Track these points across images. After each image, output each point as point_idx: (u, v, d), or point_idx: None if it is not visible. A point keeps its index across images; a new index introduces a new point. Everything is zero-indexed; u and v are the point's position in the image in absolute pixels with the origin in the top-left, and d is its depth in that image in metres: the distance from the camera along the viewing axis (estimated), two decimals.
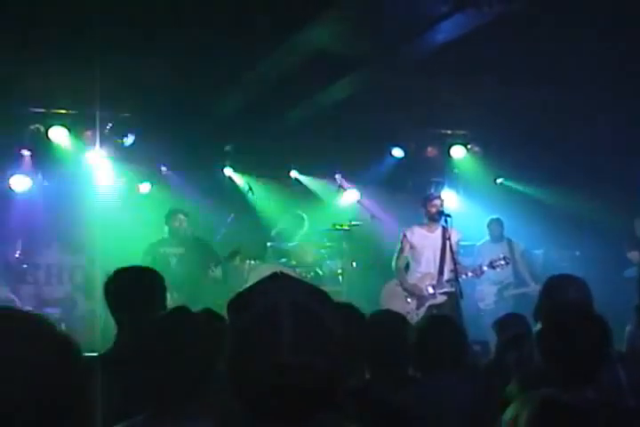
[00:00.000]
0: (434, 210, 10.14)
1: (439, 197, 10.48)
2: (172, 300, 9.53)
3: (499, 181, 13.64)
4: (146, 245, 10.91)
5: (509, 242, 12.04)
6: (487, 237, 12.30)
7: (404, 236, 10.49)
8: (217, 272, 10.79)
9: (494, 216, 12.34)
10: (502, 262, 10.35)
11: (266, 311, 2.07)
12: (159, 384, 3.15)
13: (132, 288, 4.49)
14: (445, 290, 10.09)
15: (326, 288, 5.61)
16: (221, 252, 11.09)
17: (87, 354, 4.26)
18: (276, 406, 2.02)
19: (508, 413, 2.24)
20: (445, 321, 5.11)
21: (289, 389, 2.00)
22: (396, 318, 5.02)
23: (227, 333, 2.16)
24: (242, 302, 2.16)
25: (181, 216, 11.12)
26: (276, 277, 2.20)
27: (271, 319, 2.05)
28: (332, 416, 2.14)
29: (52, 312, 10.44)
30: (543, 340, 3.79)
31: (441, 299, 10.11)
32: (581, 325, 3.75)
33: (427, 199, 10.39)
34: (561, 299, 5.10)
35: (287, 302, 2.08)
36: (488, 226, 12.25)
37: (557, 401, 1.69)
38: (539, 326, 3.87)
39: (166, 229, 11.09)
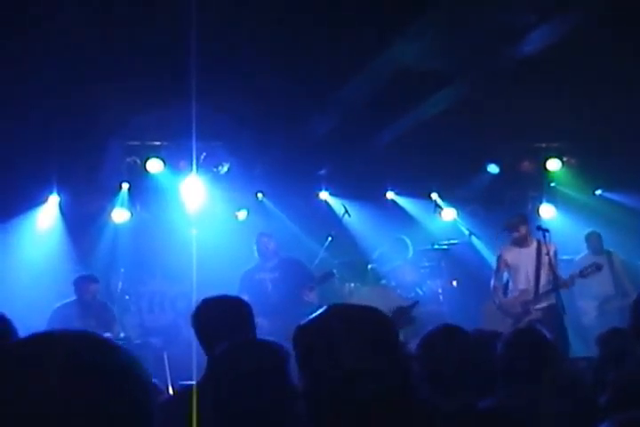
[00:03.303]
0: (517, 235, 10.11)
1: (520, 220, 10.32)
2: (269, 327, 9.65)
3: (597, 192, 13.40)
4: (242, 273, 10.95)
5: (608, 253, 11.81)
6: (587, 251, 12.06)
7: (500, 255, 10.39)
8: (311, 296, 10.71)
9: (592, 229, 12.12)
10: (592, 269, 10.11)
11: (321, 336, 2.21)
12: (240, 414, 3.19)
13: (219, 318, 4.50)
14: (543, 305, 9.91)
15: (427, 308, 5.61)
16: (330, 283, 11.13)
17: (186, 382, 4.32)
18: (355, 416, 2.06)
19: None
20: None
21: (358, 396, 2.04)
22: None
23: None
24: (300, 333, 2.29)
25: (265, 238, 11.06)
26: (330, 307, 2.36)
27: (328, 342, 2.17)
28: None
29: (155, 341, 10.58)
30: None
31: (538, 314, 9.90)
32: None
33: (509, 228, 10.27)
34: None
35: (339, 324, 2.21)
36: (586, 239, 12.04)
37: None
38: None
39: (256, 254, 11.09)
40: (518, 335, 4.86)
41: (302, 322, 2.31)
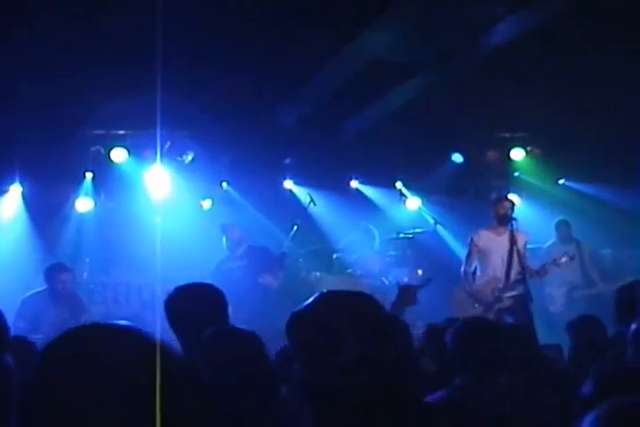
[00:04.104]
0: (502, 211, 10.01)
1: (507, 200, 10.35)
2: (240, 313, 9.85)
3: (560, 182, 13.50)
4: (215, 263, 10.97)
5: (577, 242, 11.89)
6: (554, 239, 12.14)
7: (472, 240, 10.38)
8: (267, 279, 10.84)
9: (561, 218, 12.20)
10: (565, 259, 10.19)
11: (319, 323, 2.19)
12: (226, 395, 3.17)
13: (194, 305, 4.46)
14: (513, 293, 9.97)
15: (394, 297, 5.58)
16: (288, 265, 11.15)
17: None
18: (349, 404, 2.06)
19: (588, 419, 2.18)
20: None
21: (358, 382, 2.04)
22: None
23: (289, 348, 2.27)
24: (297, 320, 2.27)
25: (229, 229, 11.25)
26: (323, 294, 2.33)
27: (330, 329, 2.15)
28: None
29: None
30: None
31: (509, 302, 9.98)
32: None
33: (496, 201, 10.27)
34: None
35: (336, 311, 2.19)
36: (556, 228, 12.12)
37: None
38: (635, 325, 3.77)
39: (224, 246, 11.13)
40: (466, 325, 4.87)
41: (297, 309, 2.30)
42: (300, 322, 2.25)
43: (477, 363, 4.47)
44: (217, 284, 10.23)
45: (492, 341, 4.55)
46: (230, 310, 10.23)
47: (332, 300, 2.28)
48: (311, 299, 2.32)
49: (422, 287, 6.63)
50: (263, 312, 9.81)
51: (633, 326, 3.77)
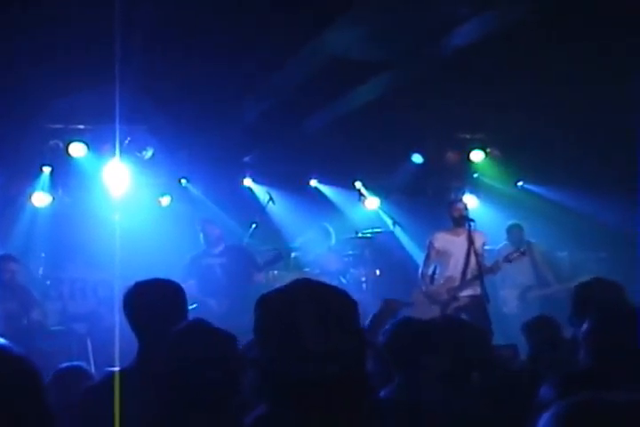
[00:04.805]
0: (457, 214, 10.12)
1: (461, 202, 10.45)
2: (219, 307, 10.26)
3: (519, 184, 13.58)
4: (172, 260, 10.92)
5: (529, 244, 11.96)
6: (506, 242, 12.21)
7: (430, 242, 10.46)
8: (260, 277, 10.97)
9: (514, 221, 12.26)
10: (517, 254, 10.30)
11: (284, 309, 2.15)
12: (187, 397, 3.14)
13: (155, 301, 4.41)
14: (470, 293, 10.04)
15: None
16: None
17: (111, 369, 4.26)
18: (309, 397, 2.03)
19: (548, 418, 2.18)
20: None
21: (317, 377, 2.01)
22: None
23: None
24: (265, 303, 2.22)
25: (210, 225, 11.21)
26: (298, 280, 2.30)
27: (291, 315, 2.13)
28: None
29: (79, 327, 10.46)
30: (595, 340, 3.72)
31: (465, 301, 10.04)
32: (633, 323, 3.70)
33: (450, 204, 10.38)
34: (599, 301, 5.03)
35: (305, 297, 2.16)
36: (508, 232, 12.17)
37: (615, 401, 1.64)
38: (586, 326, 3.79)
39: (202, 241, 11.10)
40: (397, 326, 4.88)
41: (267, 292, 2.26)
42: (264, 305, 2.22)
43: (409, 363, 4.49)
44: (193, 278, 10.60)
45: (423, 341, 4.57)
46: (213, 304, 10.45)
47: (303, 287, 2.24)
48: (284, 284, 2.29)
49: (406, 306, 6.67)
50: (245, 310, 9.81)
51: (584, 326, 3.80)
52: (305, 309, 2.11)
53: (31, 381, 1.73)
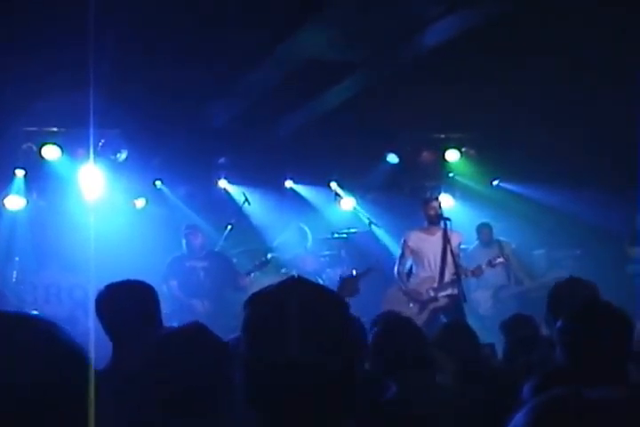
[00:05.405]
0: (432, 213, 10.13)
1: (436, 200, 10.45)
2: (203, 308, 10.32)
3: (495, 183, 13.60)
4: (148, 262, 10.86)
5: (499, 243, 12.00)
6: (477, 242, 12.24)
7: (404, 241, 10.47)
8: (246, 281, 10.88)
9: (483, 221, 12.32)
10: (500, 259, 10.37)
11: (274, 312, 2.08)
12: (165, 400, 3.10)
13: (127, 303, 4.37)
14: (448, 293, 10.06)
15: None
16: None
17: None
18: (290, 407, 2.00)
19: (522, 414, 2.17)
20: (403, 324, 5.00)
21: (300, 388, 1.98)
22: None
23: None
24: (254, 302, 2.17)
25: (192, 232, 11.17)
26: (287, 280, 2.22)
27: (279, 319, 2.06)
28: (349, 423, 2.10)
29: None
30: (568, 338, 3.73)
31: (443, 302, 10.07)
32: (609, 321, 3.71)
33: (424, 202, 10.38)
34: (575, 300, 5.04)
35: (295, 302, 2.09)
36: (477, 231, 12.22)
37: (589, 398, 1.64)
38: (559, 324, 3.80)
39: (184, 246, 11.06)
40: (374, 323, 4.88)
41: (258, 291, 2.21)
42: (252, 304, 2.18)
43: (386, 360, 4.49)
44: (175, 279, 10.61)
45: (396, 338, 4.57)
46: (198, 305, 10.47)
47: (293, 287, 2.19)
48: (276, 283, 2.25)
49: (364, 276, 6.65)
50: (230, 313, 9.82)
51: (558, 324, 3.82)
52: (292, 313, 2.08)
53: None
